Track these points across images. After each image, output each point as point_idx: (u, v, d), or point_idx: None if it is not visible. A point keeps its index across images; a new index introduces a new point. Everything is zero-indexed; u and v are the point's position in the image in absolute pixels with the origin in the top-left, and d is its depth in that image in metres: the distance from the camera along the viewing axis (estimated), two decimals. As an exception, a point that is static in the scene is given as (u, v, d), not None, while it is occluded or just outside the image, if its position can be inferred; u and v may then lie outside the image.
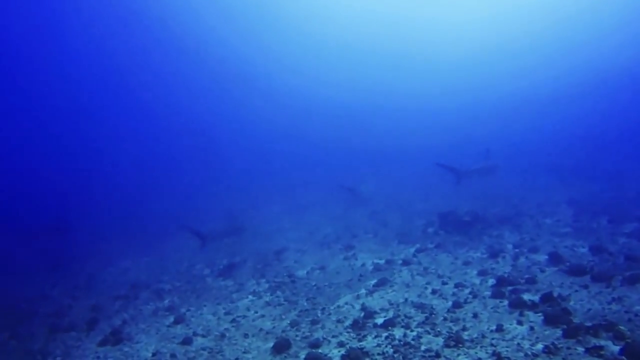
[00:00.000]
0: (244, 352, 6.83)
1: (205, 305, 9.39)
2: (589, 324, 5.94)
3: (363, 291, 8.97)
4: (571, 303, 6.86)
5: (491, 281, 8.46)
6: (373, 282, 9.42)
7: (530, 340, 5.89)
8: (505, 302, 7.34)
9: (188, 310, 9.20)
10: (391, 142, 39.27)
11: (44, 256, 16.13)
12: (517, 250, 10.25)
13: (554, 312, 6.45)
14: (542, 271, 8.58)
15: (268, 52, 64.45)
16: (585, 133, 29.00)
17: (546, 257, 9.32)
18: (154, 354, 7.06)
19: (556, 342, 5.64)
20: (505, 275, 8.48)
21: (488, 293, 7.88)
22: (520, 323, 6.48)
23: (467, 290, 8.17)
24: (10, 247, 18.21)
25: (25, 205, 30.48)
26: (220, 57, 61.67)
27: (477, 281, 8.59)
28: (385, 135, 43.70)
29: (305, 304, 8.73)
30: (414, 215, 15.55)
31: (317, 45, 65.75)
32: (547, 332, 6.04)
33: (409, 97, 60.60)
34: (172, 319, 8.69)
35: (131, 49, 53.83)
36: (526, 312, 6.77)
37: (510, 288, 7.91)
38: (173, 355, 6.93)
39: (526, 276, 8.35)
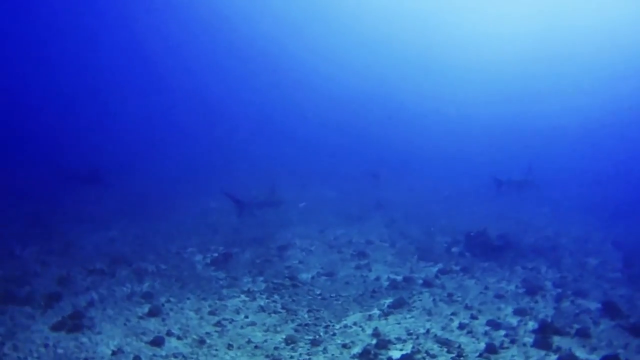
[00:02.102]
0: (224, 369, 5.53)
1: (188, 298, 8.09)
2: (676, 411, 4.55)
3: (376, 311, 7.62)
4: (643, 374, 5.45)
5: (532, 324, 7.06)
6: (388, 301, 8.06)
7: (595, 419, 4.52)
8: (554, 357, 5.95)
9: (168, 300, 7.90)
10: (418, 146, 37.62)
11: (26, 209, 14.96)
12: (559, 290, 8.83)
13: (624, 384, 5.06)
14: (596, 323, 7.17)
15: (301, 38, 63.11)
16: (625, 168, 27.24)
17: (598, 305, 7.90)
18: (114, 352, 5.76)
19: None
20: (549, 320, 7.07)
21: (529, 340, 6.49)
22: (576, 390, 5.10)
23: (502, 332, 6.78)
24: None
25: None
26: (248, 38, 60.60)
27: (513, 321, 7.20)
28: (413, 138, 41.97)
29: (306, 316, 7.40)
30: (437, 230, 14.13)
31: (359, 37, 64.06)
32: (617, 412, 4.65)
33: (448, 102, 58.48)
34: (146, 308, 7.40)
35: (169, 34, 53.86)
36: (583, 376, 5.39)
37: (557, 338, 6.52)
38: (137, 358, 5.63)
39: (576, 326, 6.94)
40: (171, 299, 8.05)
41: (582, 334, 6.63)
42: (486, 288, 8.86)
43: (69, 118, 41.90)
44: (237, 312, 7.55)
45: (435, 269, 10.13)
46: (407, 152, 34.15)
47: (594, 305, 7.95)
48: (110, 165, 22.03)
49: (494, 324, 7.02)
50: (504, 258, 10.92)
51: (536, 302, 8.13)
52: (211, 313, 7.43)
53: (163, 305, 7.68)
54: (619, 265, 10.82)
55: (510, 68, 61.43)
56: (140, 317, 7.13)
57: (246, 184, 19.63)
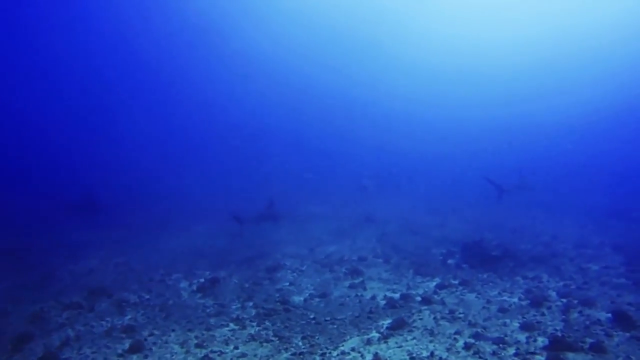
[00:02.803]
0: (212, 412, 4.98)
1: (173, 330, 7.51)
2: None
3: (375, 334, 7.11)
4: (668, 392, 5.03)
5: (541, 340, 6.62)
6: (387, 322, 7.57)
7: None
8: (570, 377, 5.51)
9: (151, 334, 7.32)
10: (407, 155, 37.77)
11: (2, 242, 14.24)
12: (564, 300, 8.42)
13: (651, 405, 4.62)
14: (609, 335, 6.74)
15: (292, 47, 63.77)
16: (619, 170, 27.21)
17: (608, 315, 7.49)
18: (88, 399, 5.21)
19: None
20: (560, 335, 6.64)
21: (541, 358, 6.04)
22: (599, 414, 4.65)
23: (511, 350, 6.32)
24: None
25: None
26: (242, 50, 60.97)
27: (522, 338, 6.75)
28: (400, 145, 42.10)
29: (301, 343, 6.87)
30: (430, 241, 13.71)
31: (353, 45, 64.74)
32: None
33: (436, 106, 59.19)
34: (127, 344, 6.82)
35: (159, 41, 53.97)
36: (604, 397, 4.94)
37: (571, 355, 6.08)
38: (114, 404, 5.08)
39: (589, 340, 6.52)
40: (155, 331, 7.47)
41: (597, 349, 6.20)
42: (488, 302, 8.42)
43: (64, 147, 41.58)
44: (226, 342, 7.00)
45: (433, 284, 9.67)
46: (396, 164, 34.03)
47: (603, 316, 7.54)
48: (106, 193, 21.56)
49: (502, 342, 6.57)
50: (502, 268, 10.52)
51: (543, 314, 7.70)
52: (198, 345, 6.87)
53: (146, 339, 7.10)
54: (621, 270, 10.46)
55: (501, 72, 62.38)
56: (121, 355, 6.55)
57: (237, 204, 19.19)
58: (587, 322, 7.28)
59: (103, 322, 7.85)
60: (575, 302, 8.25)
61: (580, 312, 7.77)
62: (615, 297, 8.56)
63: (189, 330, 7.53)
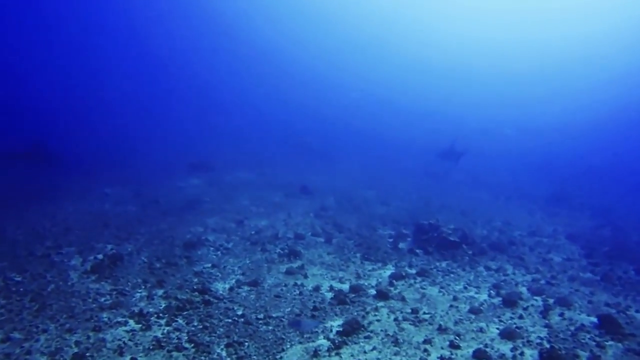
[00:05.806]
0: None
1: (45, 331, 5.54)
2: None
3: (323, 341, 5.62)
4: None
5: (529, 353, 5.48)
6: (336, 324, 6.10)
7: None
8: (579, 410, 4.36)
9: (6, 338, 5.30)
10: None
11: None
12: (538, 299, 7.45)
13: None
14: (601, 347, 5.76)
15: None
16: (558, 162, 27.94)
17: (591, 319, 6.58)
18: None
19: None
20: (549, 347, 5.53)
21: (535, 380, 4.88)
22: None
23: (497, 368, 5.11)
24: None
25: None
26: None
27: (505, 350, 5.58)
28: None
29: (224, 354, 5.22)
30: (376, 220, 12.45)
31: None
32: None
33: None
34: (-35, 356, 4.82)
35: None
36: None
37: (569, 376, 4.98)
38: None
39: (582, 353, 5.48)
40: (15, 334, 5.45)
41: (597, 367, 5.16)
42: (455, 299, 7.23)
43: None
44: (120, 352, 5.17)
45: (386, 273, 8.36)
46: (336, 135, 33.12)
47: (586, 319, 6.62)
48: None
49: (484, 356, 5.34)
50: (461, 256, 9.48)
51: (521, 317, 6.62)
52: (78, 357, 4.98)
53: (-3, 348, 5.09)
54: (583, 262, 9.87)
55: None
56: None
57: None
58: (572, 328, 6.30)
59: None
60: (551, 301, 7.32)
61: (561, 315, 6.79)
62: (590, 295, 7.77)
63: (69, 331, 5.59)
